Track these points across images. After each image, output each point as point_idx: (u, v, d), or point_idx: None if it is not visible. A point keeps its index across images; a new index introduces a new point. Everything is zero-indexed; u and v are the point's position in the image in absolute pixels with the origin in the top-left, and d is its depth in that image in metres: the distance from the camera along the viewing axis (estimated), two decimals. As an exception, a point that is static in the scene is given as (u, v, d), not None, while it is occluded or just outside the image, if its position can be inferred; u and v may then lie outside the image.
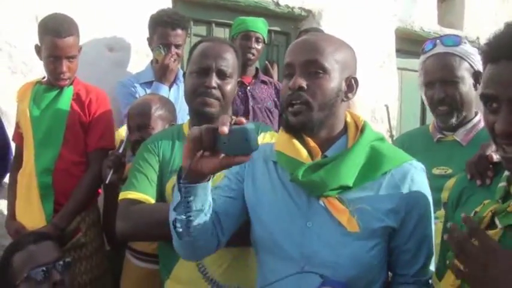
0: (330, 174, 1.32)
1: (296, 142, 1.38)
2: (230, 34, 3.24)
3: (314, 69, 1.33)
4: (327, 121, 1.36)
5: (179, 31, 2.71)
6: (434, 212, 1.47)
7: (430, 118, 4.49)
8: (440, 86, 1.93)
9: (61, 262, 1.82)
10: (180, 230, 1.29)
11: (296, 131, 1.37)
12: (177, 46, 2.71)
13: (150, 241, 1.95)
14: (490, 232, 1.14)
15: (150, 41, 2.81)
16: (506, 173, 1.24)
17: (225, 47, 1.81)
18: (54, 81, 2.31)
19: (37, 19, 2.46)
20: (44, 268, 1.77)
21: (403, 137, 2.35)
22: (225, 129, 1.11)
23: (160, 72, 2.63)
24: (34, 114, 2.31)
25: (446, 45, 1.94)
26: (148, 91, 2.66)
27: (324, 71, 1.33)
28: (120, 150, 2.16)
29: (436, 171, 1.94)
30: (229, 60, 1.78)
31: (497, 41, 1.13)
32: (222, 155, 1.18)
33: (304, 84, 1.32)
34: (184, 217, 1.27)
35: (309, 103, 1.32)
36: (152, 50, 2.73)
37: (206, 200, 1.29)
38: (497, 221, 1.15)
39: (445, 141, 2.02)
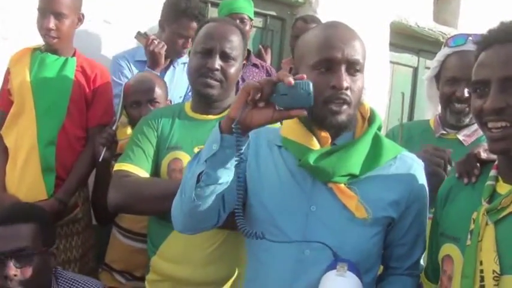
0: (340, 162, 1.32)
1: (307, 131, 1.37)
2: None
3: (355, 69, 1.32)
4: (353, 118, 1.37)
5: (195, 24, 2.63)
6: (431, 208, 1.49)
7: (419, 113, 4.56)
8: (466, 84, 1.86)
9: (19, 255, 1.64)
10: (203, 185, 1.25)
11: (337, 130, 1.35)
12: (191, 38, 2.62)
13: (141, 214, 1.93)
14: (488, 232, 1.18)
15: (163, 24, 2.71)
16: (493, 172, 1.27)
17: (230, 28, 1.78)
18: (43, 40, 2.24)
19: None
20: None
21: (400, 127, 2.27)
22: (291, 80, 1.13)
23: (150, 59, 2.56)
24: (36, 83, 2.23)
25: None
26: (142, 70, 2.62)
27: (361, 72, 1.33)
28: (114, 127, 2.15)
29: None
30: (234, 42, 1.76)
31: (490, 31, 1.21)
32: (274, 107, 1.18)
33: (349, 84, 1.30)
34: (213, 172, 1.23)
35: (350, 104, 1.31)
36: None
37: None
38: (488, 219, 1.19)
39: (447, 138, 1.98)
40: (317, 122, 1.34)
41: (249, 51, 3.19)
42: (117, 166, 1.74)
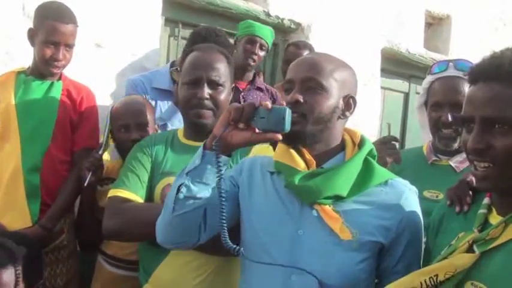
0: (326, 182, 1.34)
1: (294, 153, 1.40)
2: (235, 35, 3.17)
3: (312, 85, 1.37)
4: (320, 135, 1.39)
5: None
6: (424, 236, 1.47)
7: (410, 139, 4.57)
8: (449, 109, 1.89)
9: None
10: (181, 197, 1.32)
11: (290, 140, 1.38)
12: None
13: (137, 240, 1.89)
14: (468, 255, 1.16)
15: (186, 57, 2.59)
16: (486, 200, 1.25)
17: (215, 55, 1.80)
18: (45, 68, 2.20)
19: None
20: None
21: None
22: (269, 104, 1.23)
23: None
24: (21, 106, 2.18)
25: (460, 70, 1.91)
26: (159, 100, 2.54)
27: (322, 88, 1.37)
28: (100, 152, 2.13)
29: (427, 194, 1.90)
30: (220, 69, 1.78)
31: (478, 65, 1.19)
32: (254, 131, 1.27)
33: (301, 98, 1.35)
34: (192, 185, 1.31)
35: (304, 115, 1.36)
36: (172, 71, 2.57)
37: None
38: (475, 248, 1.17)
39: (439, 165, 1.99)
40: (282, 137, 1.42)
41: (254, 75, 3.17)
42: (112, 192, 1.74)
